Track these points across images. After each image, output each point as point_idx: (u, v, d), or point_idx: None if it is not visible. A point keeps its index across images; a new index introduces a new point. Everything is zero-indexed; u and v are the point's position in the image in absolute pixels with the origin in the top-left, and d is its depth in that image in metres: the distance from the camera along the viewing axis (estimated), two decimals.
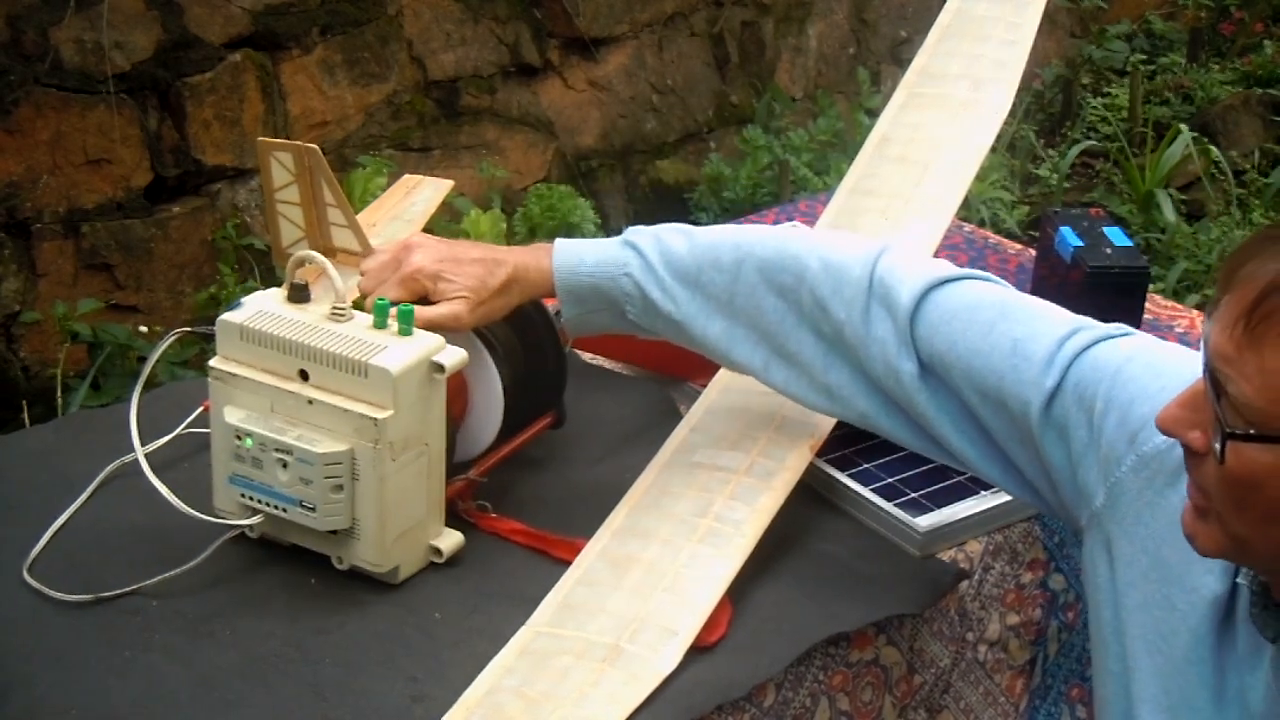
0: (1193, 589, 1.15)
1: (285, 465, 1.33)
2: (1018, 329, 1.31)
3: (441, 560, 1.40)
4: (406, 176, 1.97)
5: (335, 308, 1.37)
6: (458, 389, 1.47)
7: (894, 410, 1.40)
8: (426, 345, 1.34)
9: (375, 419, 1.30)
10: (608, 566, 1.39)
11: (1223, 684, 1.13)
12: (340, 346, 1.33)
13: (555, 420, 1.58)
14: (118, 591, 1.34)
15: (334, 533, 1.35)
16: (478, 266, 1.44)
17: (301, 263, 1.41)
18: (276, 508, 1.35)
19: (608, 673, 1.26)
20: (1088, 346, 1.28)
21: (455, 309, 1.42)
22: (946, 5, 2.08)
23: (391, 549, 1.35)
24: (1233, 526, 1.05)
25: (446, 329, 1.40)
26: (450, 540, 1.41)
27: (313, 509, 1.33)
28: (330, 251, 1.56)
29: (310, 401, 1.33)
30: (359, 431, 1.31)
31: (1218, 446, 1.02)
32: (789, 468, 1.49)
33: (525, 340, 1.53)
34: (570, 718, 1.22)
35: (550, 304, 1.54)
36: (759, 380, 1.47)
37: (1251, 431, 1.00)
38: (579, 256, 1.47)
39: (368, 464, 1.32)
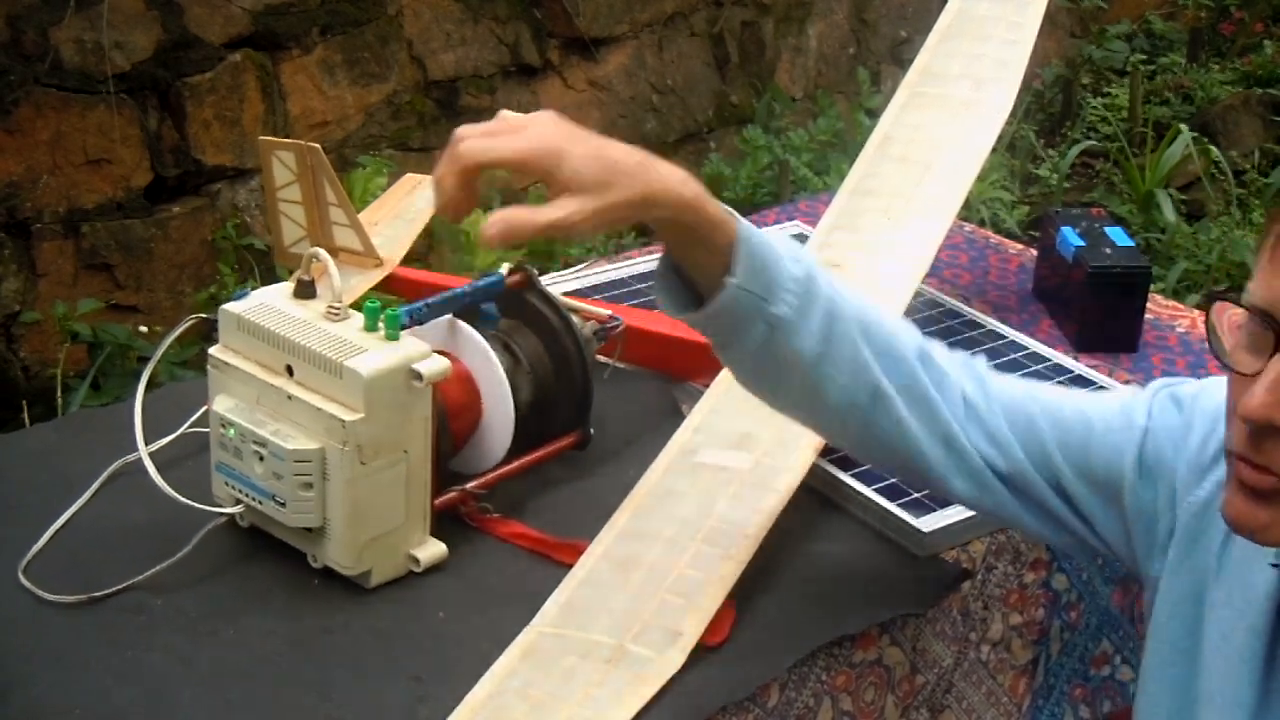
0: (1250, 585, 1.13)
1: (261, 458, 1.33)
2: (1065, 407, 1.28)
3: (419, 570, 1.38)
4: (408, 176, 1.96)
5: (331, 307, 1.36)
6: (469, 402, 1.47)
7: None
8: (407, 352, 1.33)
9: (344, 420, 1.29)
10: (611, 567, 1.38)
11: (1271, 679, 1.12)
12: (323, 345, 1.32)
13: (579, 441, 1.56)
14: (109, 590, 1.34)
15: (309, 530, 1.35)
16: (628, 155, 1.19)
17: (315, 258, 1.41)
18: (254, 499, 1.35)
19: (612, 674, 1.26)
20: (1151, 392, 1.26)
21: (576, 209, 1.12)
22: (947, 5, 2.07)
23: (363, 553, 1.35)
24: None
25: (558, 234, 1.13)
26: (431, 551, 1.39)
27: (283, 504, 1.33)
28: (332, 251, 1.56)
29: (290, 397, 1.33)
30: (329, 432, 1.31)
31: None
32: (792, 468, 1.49)
33: (554, 356, 1.52)
34: (576, 718, 1.21)
35: (589, 315, 1.52)
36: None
37: None
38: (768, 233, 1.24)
39: (336, 465, 1.31)
